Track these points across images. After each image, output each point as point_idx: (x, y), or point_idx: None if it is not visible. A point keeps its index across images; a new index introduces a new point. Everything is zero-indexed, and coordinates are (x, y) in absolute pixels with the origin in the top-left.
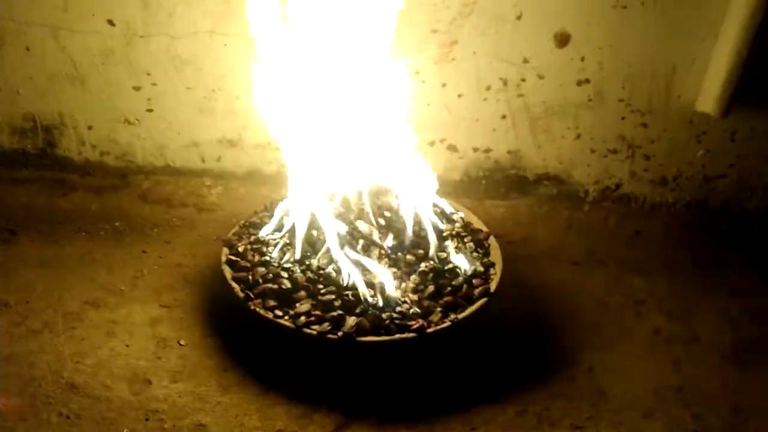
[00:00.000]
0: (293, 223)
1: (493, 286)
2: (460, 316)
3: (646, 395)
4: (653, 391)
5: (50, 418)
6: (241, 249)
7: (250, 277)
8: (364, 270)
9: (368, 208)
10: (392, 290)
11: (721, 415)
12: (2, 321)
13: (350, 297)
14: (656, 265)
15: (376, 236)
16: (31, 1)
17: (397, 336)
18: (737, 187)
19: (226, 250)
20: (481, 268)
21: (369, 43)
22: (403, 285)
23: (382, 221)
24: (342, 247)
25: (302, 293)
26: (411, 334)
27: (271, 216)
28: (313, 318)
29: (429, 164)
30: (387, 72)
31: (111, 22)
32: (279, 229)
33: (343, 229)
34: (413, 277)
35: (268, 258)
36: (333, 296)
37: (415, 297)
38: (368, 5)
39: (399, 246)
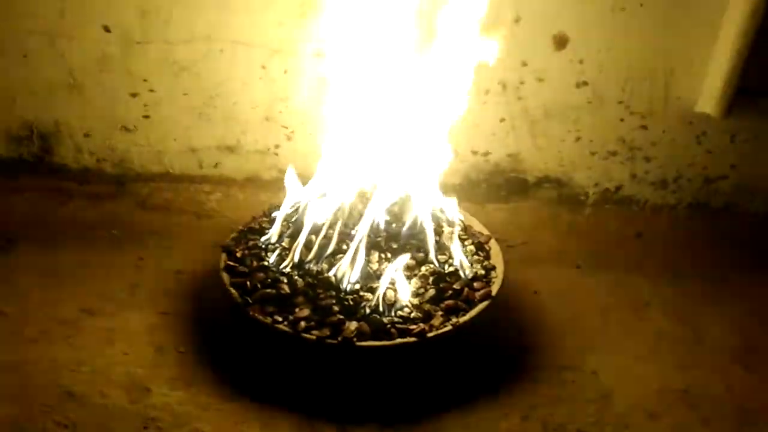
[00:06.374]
0: (292, 228)
1: (494, 289)
2: (462, 320)
3: (652, 398)
4: (658, 394)
5: (47, 426)
6: (239, 254)
7: (249, 283)
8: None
9: (369, 211)
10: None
11: (728, 418)
12: None
13: (350, 302)
14: (659, 268)
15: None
16: (29, 9)
17: (398, 340)
18: (739, 189)
19: (224, 256)
20: (482, 272)
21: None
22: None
23: (382, 224)
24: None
25: (301, 298)
26: (412, 339)
27: (270, 221)
28: (312, 323)
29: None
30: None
31: (108, 29)
32: (278, 234)
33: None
34: (413, 280)
35: (266, 263)
36: (332, 301)
37: (415, 301)
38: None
39: (399, 249)
